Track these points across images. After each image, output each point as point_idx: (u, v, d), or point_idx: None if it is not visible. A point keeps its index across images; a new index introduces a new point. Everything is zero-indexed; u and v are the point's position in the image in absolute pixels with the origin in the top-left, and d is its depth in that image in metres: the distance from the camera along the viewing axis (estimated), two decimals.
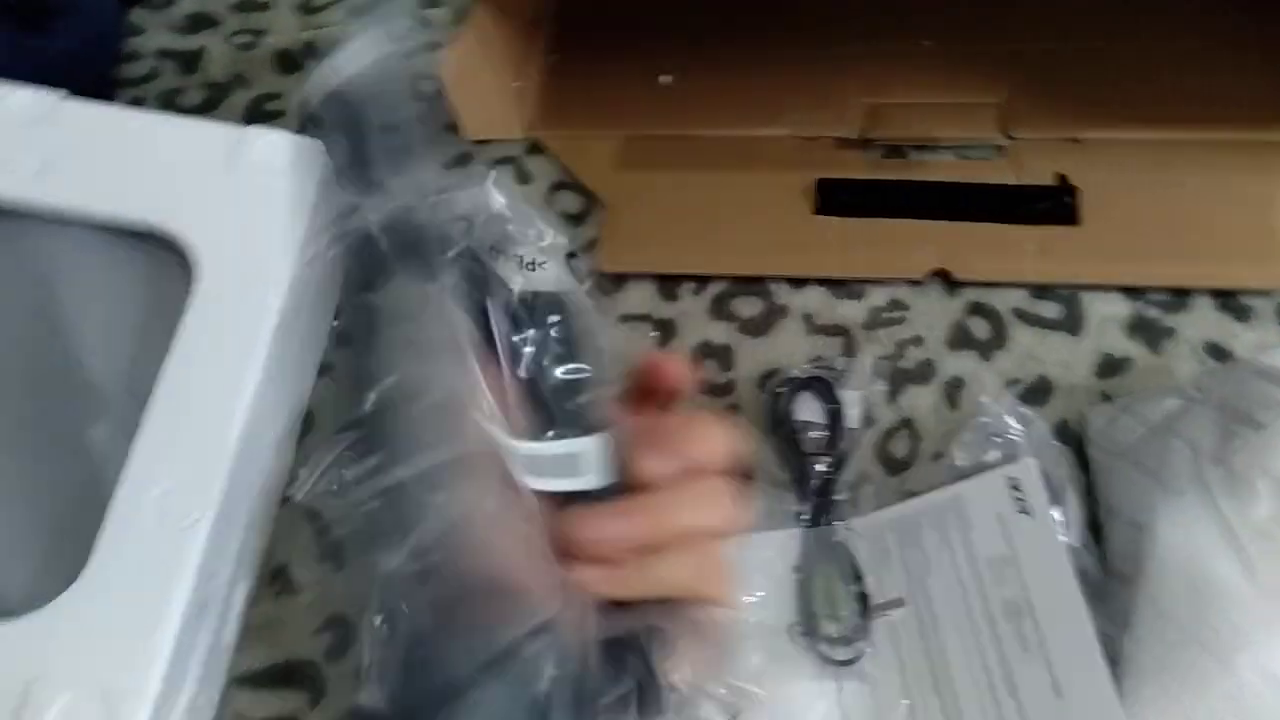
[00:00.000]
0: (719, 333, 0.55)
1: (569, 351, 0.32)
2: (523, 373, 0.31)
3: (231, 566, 0.46)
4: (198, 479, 0.43)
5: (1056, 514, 0.44)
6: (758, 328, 0.54)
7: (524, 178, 0.62)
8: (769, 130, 0.59)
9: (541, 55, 0.63)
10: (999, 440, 0.47)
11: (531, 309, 0.32)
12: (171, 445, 0.44)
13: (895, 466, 0.50)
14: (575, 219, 0.60)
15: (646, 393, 0.33)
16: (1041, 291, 0.53)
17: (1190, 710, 0.40)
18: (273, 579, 0.50)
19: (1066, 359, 0.51)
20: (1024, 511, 0.44)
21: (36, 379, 0.46)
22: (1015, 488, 0.44)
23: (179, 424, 0.44)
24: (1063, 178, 0.55)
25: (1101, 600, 0.44)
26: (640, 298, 0.56)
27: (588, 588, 0.28)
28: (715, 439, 0.31)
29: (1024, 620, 0.42)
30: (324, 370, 0.55)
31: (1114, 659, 0.42)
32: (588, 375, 0.32)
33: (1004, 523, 0.44)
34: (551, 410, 0.31)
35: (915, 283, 0.54)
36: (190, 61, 0.67)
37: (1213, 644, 0.40)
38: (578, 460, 0.31)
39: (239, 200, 0.49)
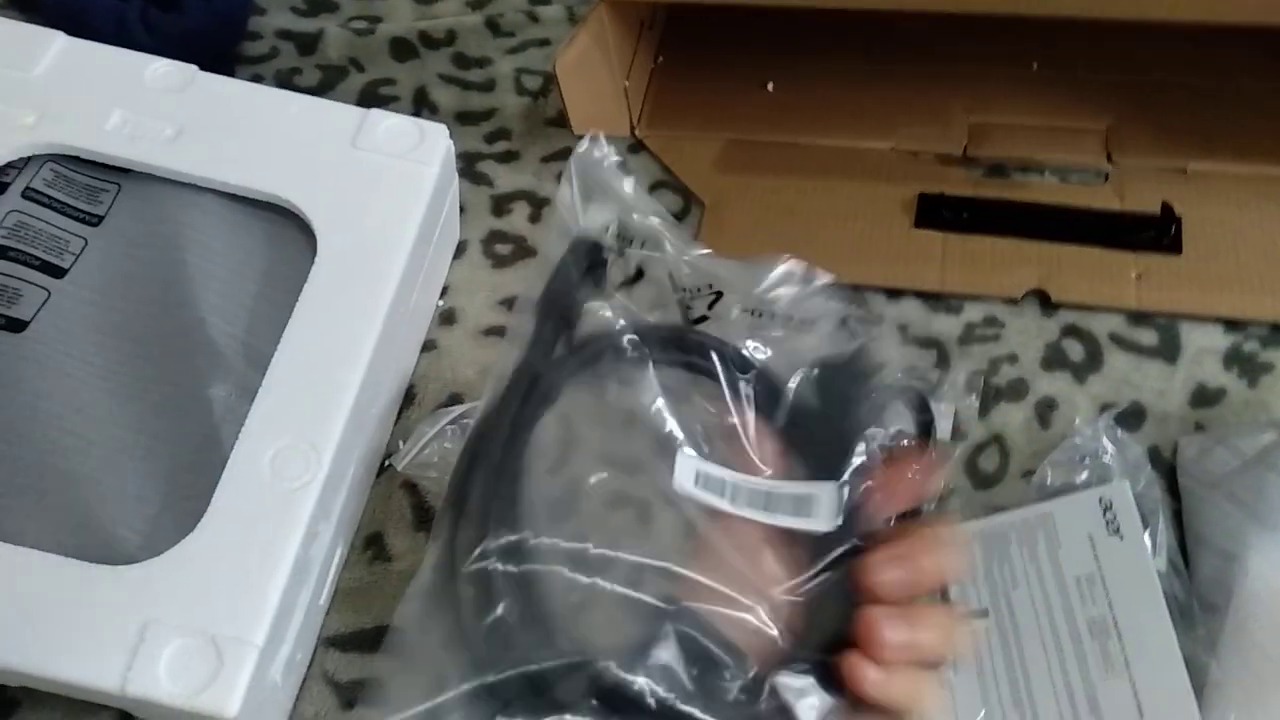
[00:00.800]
0: None
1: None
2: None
3: (333, 529, 0.47)
4: (310, 443, 0.45)
5: (1147, 538, 0.44)
6: None
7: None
8: (872, 142, 0.60)
9: (651, 57, 0.65)
10: (1090, 462, 0.48)
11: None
12: (287, 409, 0.46)
13: (983, 481, 0.50)
14: (673, 218, 0.61)
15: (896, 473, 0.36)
16: (1139, 318, 0.53)
17: None
18: (367, 545, 0.51)
19: (1161, 387, 0.52)
20: (1115, 533, 0.44)
21: (163, 337, 0.48)
22: (1108, 508, 0.44)
23: (295, 389, 0.46)
24: (1167, 207, 0.55)
25: (1189, 627, 0.44)
26: None
27: (862, 684, 0.31)
28: (947, 565, 0.34)
29: (1110, 640, 0.42)
30: (427, 347, 0.57)
31: (1198, 686, 0.42)
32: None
33: (1094, 542, 0.44)
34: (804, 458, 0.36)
35: (1012, 301, 0.55)
36: (309, 43, 0.69)
37: None
38: (812, 502, 0.34)
39: (360, 179, 0.51)
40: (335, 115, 0.53)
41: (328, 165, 0.52)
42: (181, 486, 0.45)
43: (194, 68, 0.54)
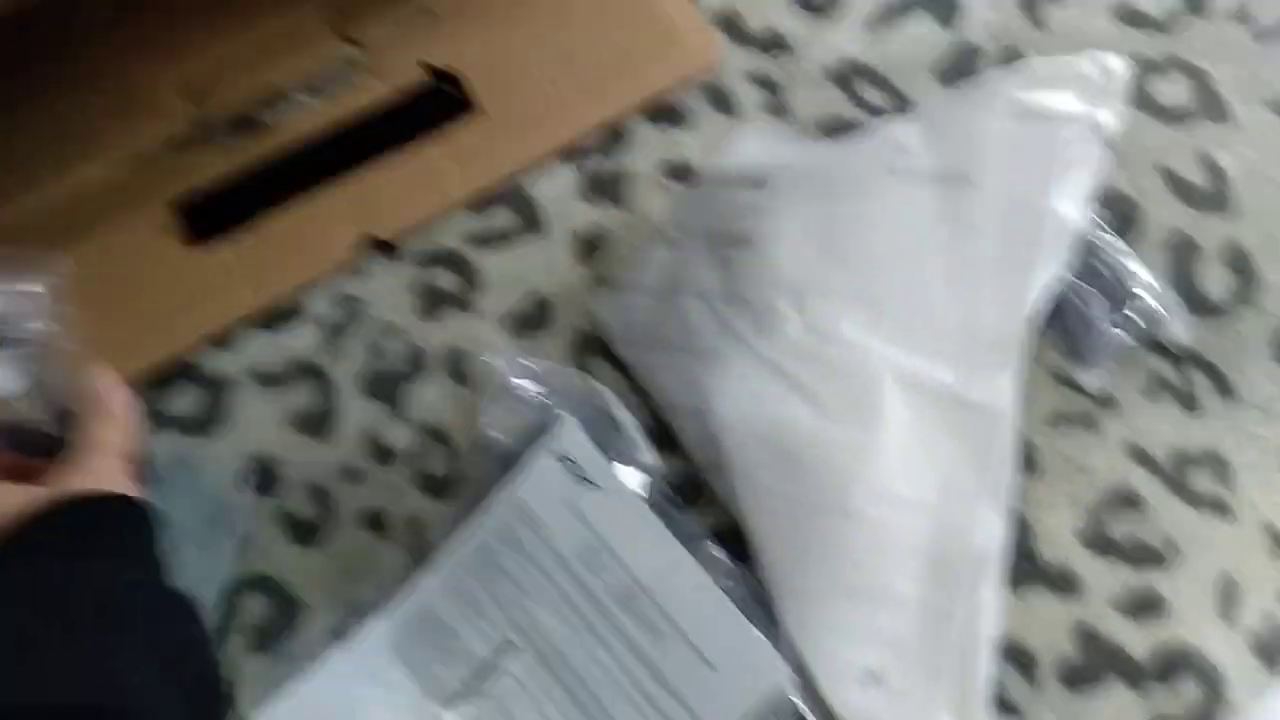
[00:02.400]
0: None
1: None
2: None
3: None
4: None
5: (627, 472, 0.38)
6: None
7: None
8: (90, 169, 0.45)
9: None
10: (528, 398, 0.40)
11: None
12: None
13: (437, 487, 0.41)
14: None
15: None
16: (483, 203, 0.45)
17: (834, 574, 0.36)
18: None
19: (545, 261, 0.44)
20: (586, 482, 0.37)
21: None
22: (567, 459, 0.37)
23: None
24: (434, 69, 0.46)
25: (708, 500, 0.39)
26: None
27: None
28: None
29: (641, 603, 0.36)
30: None
31: (744, 553, 0.38)
32: None
33: (572, 506, 0.37)
34: None
35: (357, 271, 0.44)
36: None
37: (820, 498, 0.36)
38: None
39: None
40: None
41: None
42: None
43: None
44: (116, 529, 0.33)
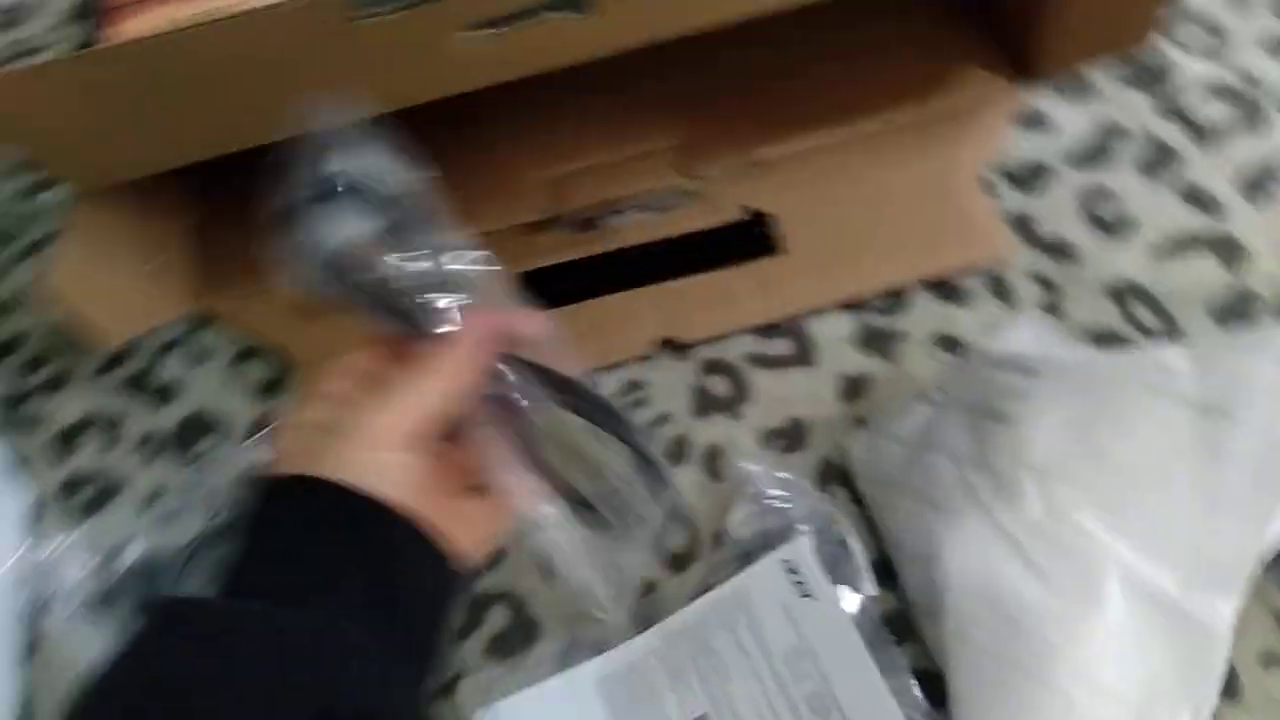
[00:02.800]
0: None
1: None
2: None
3: None
4: None
5: (845, 593, 0.42)
6: None
7: (203, 356, 0.55)
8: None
9: (188, 221, 0.56)
10: (773, 505, 0.45)
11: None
12: None
13: (678, 563, 0.46)
14: (269, 387, 0.54)
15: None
16: (768, 331, 0.51)
17: None
18: None
19: (811, 392, 0.50)
20: (806, 595, 0.41)
21: None
22: (792, 571, 0.42)
23: None
24: (753, 211, 0.53)
25: (916, 640, 0.42)
26: None
27: None
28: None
29: (832, 714, 0.39)
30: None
31: (941, 699, 0.40)
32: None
33: (789, 611, 0.41)
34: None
35: (645, 358, 0.51)
36: None
37: (1028, 665, 0.39)
38: None
39: None
40: None
41: None
42: None
43: None
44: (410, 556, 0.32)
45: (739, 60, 0.58)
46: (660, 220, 0.54)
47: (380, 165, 0.34)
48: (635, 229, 0.54)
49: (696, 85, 0.58)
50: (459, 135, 0.57)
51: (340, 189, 0.34)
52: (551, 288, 0.53)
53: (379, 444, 0.32)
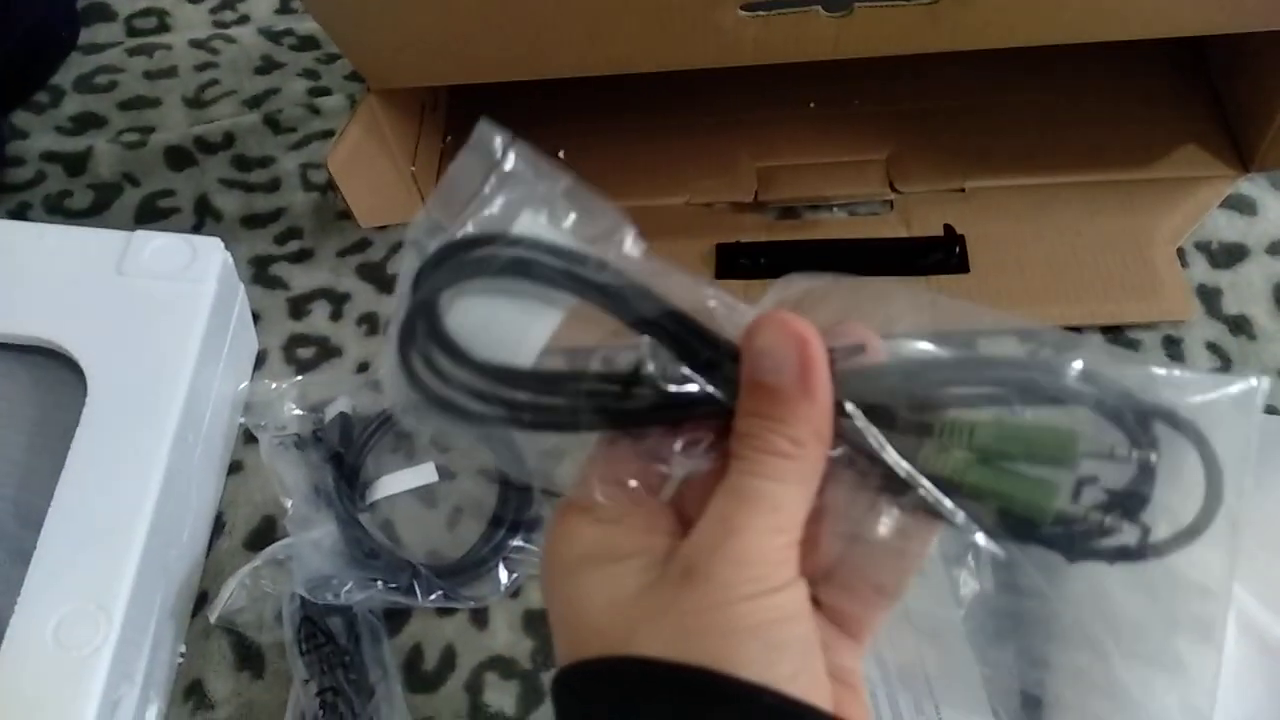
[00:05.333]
0: None
1: None
2: None
3: (139, 690, 0.44)
4: (97, 604, 0.42)
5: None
6: None
7: None
8: (667, 200, 0.60)
9: (439, 137, 0.64)
10: None
11: None
12: (67, 570, 0.42)
13: None
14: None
15: None
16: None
17: None
18: (187, 696, 0.48)
19: None
20: None
21: None
22: None
23: (75, 547, 0.43)
24: (949, 228, 0.56)
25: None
26: None
27: None
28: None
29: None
30: (234, 469, 0.54)
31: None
32: None
33: None
34: None
35: None
36: (77, 163, 0.66)
37: (1128, 684, 0.41)
38: None
39: (129, 308, 0.48)
40: (97, 242, 0.50)
41: (92, 298, 0.49)
42: None
43: None
44: None
45: (952, 80, 0.62)
46: (860, 222, 0.58)
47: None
48: (834, 224, 0.59)
49: (909, 101, 0.62)
50: (689, 112, 0.63)
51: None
52: (746, 262, 0.57)
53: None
